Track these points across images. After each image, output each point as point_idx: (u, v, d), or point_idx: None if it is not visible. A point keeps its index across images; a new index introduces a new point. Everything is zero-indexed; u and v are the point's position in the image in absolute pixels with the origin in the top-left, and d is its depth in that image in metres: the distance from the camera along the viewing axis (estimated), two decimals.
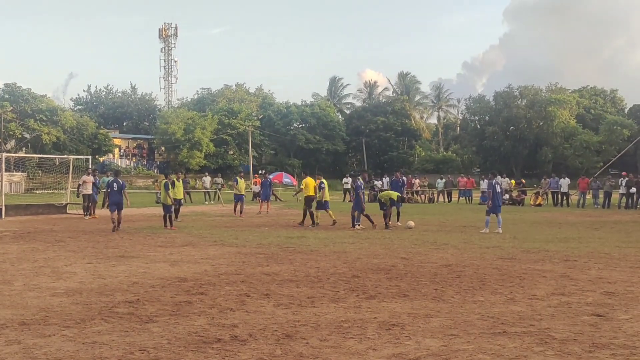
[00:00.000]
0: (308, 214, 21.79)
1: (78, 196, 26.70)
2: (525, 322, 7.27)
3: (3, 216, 25.02)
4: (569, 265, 11.90)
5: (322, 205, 21.65)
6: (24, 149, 62.96)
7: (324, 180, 22.22)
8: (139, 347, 6.22)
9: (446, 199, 41.37)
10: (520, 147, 78.14)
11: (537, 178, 57.22)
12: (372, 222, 20.19)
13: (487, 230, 18.39)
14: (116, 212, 19.56)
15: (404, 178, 23.83)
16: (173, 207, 21.49)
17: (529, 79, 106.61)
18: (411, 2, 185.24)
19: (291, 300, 8.60)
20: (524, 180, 45.46)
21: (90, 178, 26.31)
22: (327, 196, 21.94)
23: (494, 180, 19.22)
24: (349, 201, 40.43)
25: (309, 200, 22.11)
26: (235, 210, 26.72)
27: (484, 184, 39.96)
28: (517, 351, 6.07)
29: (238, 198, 26.75)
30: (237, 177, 27.52)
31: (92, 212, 25.74)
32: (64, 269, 11.37)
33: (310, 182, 22.50)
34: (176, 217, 22.38)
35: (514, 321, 7.30)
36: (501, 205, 19.27)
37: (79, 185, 26.38)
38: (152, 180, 55.84)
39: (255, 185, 41.32)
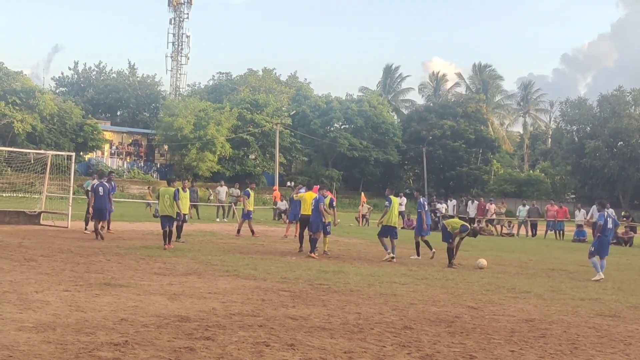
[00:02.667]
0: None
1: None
2: None
3: None
4: None
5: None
6: None
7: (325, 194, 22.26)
8: None
9: (530, 232, 41.00)
10: (631, 169, 77.20)
11: None
12: (431, 248, 20.40)
13: (602, 275, 18.22)
14: (99, 221, 20.13)
15: (423, 199, 23.09)
16: (176, 221, 21.93)
17: None
18: None
19: (323, 354, 8.57)
20: (631, 213, 44.86)
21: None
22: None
23: (606, 212, 19.00)
24: (402, 227, 40.64)
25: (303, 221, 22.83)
26: (239, 231, 27.93)
27: (580, 215, 39.88)
28: None
29: (247, 215, 28.08)
30: (249, 189, 28.89)
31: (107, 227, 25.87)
32: (33, 297, 11.51)
33: (307, 197, 22.84)
34: (178, 237, 22.76)
35: None
36: (609, 246, 19.14)
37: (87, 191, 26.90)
38: (148, 186, 56.35)
39: (277, 200, 41.43)
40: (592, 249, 18.87)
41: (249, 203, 28.25)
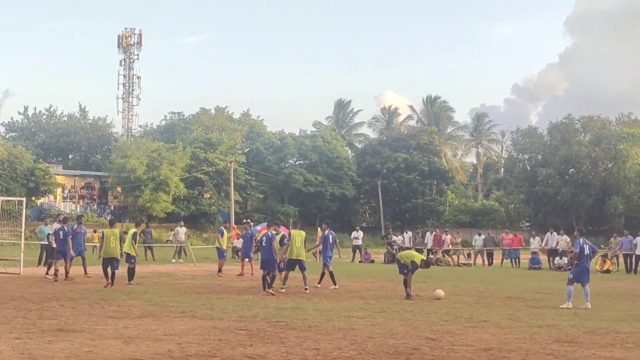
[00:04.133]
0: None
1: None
2: None
3: None
4: None
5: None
6: None
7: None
8: None
9: (486, 261, 41.25)
10: (583, 195, 78.15)
11: (605, 236, 57.14)
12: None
13: (570, 305, 18.31)
14: (62, 260, 20.50)
15: (332, 233, 23.99)
16: (129, 263, 22.85)
17: (600, 108, 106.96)
18: (446, 6, 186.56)
19: None
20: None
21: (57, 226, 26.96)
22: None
23: (582, 240, 19.18)
24: (360, 261, 40.74)
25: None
26: (220, 270, 27.88)
27: (534, 242, 40.24)
28: None
29: (221, 254, 28.36)
30: (223, 228, 29.60)
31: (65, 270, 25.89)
32: None
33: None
34: (130, 279, 23.10)
35: None
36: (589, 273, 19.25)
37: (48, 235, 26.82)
38: (94, 230, 55.61)
39: (234, 239, 41.20)
40: (571, 277, 18.94)
41: (223, 241, 28.68)
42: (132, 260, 23.43)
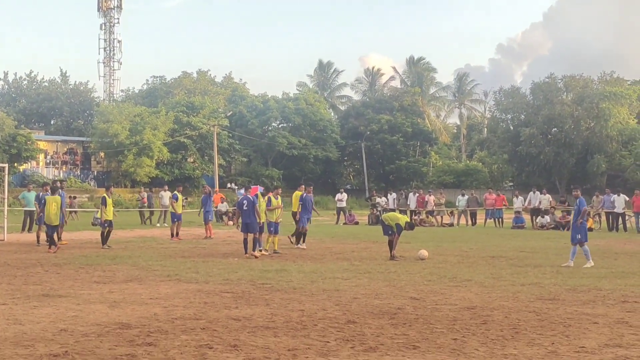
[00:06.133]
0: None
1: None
2: None
3: None
4: (628, 308, 11.94)
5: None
6: None
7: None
8: None
9: (469, 222, 41.47)
10: (566, 154, 78.38)
11: (587, 195, 57.43)
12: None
13: (591, 262, 18.42)
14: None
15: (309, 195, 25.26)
16: (102, 227, 23.90)
17: (585, 66, 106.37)
18: None
19: (267, 353, 8.57)
20: (567, 198, 45.62)
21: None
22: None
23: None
24: (344, 223, 40.84)
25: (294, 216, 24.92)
26: (173, 234, 28.20)
27: (517, 202, 40.45)
28: None
29: (177, 217, 28.65)
30: (177, 192, 29.74)
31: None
32: None
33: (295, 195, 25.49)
34: (104, 243, 23.58)
35: None
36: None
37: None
38: (70, 196, 55.52)
39: (218, 203, 41.18)
40: (579, 237, 18.92)
41: (178, 206, 28.92)
42: (105, 225, 23.75)
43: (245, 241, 20.99)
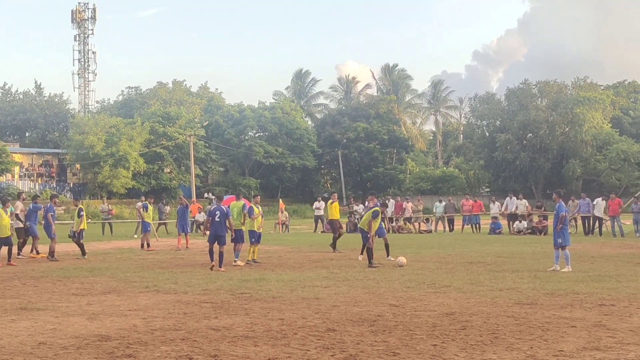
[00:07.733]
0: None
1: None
2: None
3: None
4: (605, 311, 12.02)
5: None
6: None
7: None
8: None
9: (447, 228, 41.59)
10: (541, 159, 79.02)
11: (564, 199, 57.84)
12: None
13: (570, 268, 18.52)
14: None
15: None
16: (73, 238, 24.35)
17: (560, 72, 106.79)
18: None
19: None
20: (543, 203, 45.91)
21: (20, 205, 26.66)
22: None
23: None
24: (322, 231, 40.79)
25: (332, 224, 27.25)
26: (142, 245, 28.30)
27: (494, 208, 40.60)
28: None
29: (146, 228, 29.05)
30: (147, 202, 30.13)
31: (33, 250, 25.53)
32: None
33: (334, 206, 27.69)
34: (83, 254, 23.87)
35: None
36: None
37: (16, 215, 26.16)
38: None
39: (195, 213, 41.01)
40: (560, 241, 19.03)
41: (148, 216, 29.33)
42: (76, 235, 24.02)
43: (211, 251, 20.12)
